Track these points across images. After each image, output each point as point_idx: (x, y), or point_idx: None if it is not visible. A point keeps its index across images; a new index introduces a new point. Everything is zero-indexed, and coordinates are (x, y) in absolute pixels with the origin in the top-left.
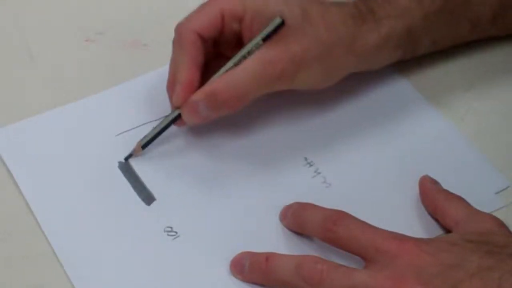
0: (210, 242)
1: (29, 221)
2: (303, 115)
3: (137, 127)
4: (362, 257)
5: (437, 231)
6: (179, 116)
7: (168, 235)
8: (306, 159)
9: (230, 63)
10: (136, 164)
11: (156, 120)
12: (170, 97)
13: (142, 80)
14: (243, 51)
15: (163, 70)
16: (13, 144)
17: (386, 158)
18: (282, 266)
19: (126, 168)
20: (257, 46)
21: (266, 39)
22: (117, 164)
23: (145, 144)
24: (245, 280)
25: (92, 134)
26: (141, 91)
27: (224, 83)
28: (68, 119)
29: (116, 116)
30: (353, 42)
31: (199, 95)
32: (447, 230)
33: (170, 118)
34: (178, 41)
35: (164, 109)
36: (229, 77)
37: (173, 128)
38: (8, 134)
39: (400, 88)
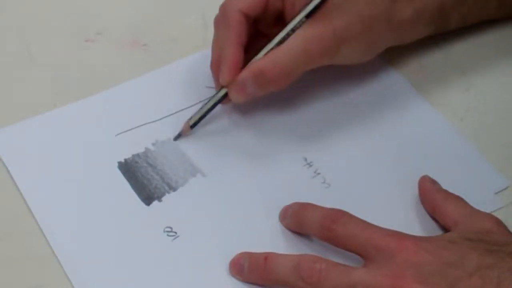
0: (210, 242)
1: (29, 221)
2: (302, 116)
3: (137, 127)
4: (361, 255)
5: (436, 231)
6: (226, 95)
7: (168, 235)
8: (305, 159)
9: (275, 41)
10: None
11: (156, 120)
12: (216, 76)
13: (142, 80)
14: (287, 28)
15: (163, 70)
16: (13, 144)
17: (386, 158)
18: (281, 265)
19: (126, 168)
20: (301, 24)
21: (309, 16)
22: (117, 164)
23: (194, 124)
24: (245, 280)
25: (92, 134)
26: (141, 91)
27: (271, 61)
28: (68, 119)
29: (116, 116)
30: (391, 17)
31: (247, 73)
32: (446, 230)
33: (217, 98)
34: (223, 21)
35: (164, 109)
36: (276, 55)
37: None
38: (8, 134)
39: (399, 88)
